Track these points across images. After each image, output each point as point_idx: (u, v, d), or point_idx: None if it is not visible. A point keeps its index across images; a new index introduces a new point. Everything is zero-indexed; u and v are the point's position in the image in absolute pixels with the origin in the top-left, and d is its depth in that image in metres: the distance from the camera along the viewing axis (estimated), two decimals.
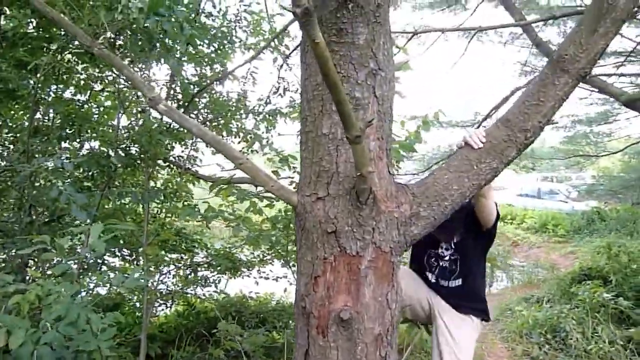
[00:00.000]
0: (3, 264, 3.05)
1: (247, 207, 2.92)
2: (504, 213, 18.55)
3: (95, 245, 1.64)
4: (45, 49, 2.93)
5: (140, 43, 3.03)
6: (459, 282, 2.67)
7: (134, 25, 2.72)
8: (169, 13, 2.56)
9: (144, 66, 3.60)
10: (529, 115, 1.93)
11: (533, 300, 7.10)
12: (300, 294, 1.99)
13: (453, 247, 2.68)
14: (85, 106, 4.36)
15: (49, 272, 3.31)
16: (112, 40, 3.10)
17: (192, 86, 3.95)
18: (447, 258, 2.70)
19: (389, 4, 2.02)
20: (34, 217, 3.00)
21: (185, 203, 4.02)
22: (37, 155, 2.97)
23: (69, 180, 3.40)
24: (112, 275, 3.27)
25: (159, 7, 2.59)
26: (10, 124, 4.25)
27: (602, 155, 14.39)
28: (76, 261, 3.37)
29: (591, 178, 21.27)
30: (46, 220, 2.96)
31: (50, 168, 2.49)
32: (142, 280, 2.84)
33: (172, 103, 4.25)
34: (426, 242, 2.55)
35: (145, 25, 2.66)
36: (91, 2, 2.93)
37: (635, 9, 1.86)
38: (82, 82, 4.24)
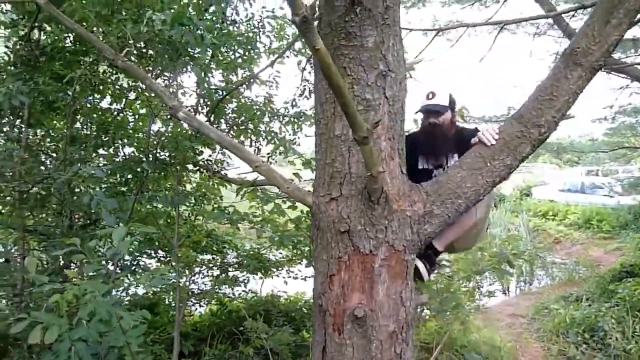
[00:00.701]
0: (46, 265, 3.25)
1: (272, 208, 3.00)
2: (546, 209, 18.01)
3: (120, 246, 1.75)
4: (80, 62, 3.10)
5: (166, 54, 3.17)
6: None
7: (159, 37, 2.85)
8: (190, 24, 2.66)
9: (172, 75, 3.74)
10: (543, 110, 1.92)
11: (572, 299, 6.88)
12: (317, 292, 2.04)
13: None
14: (121, 115, 4.58)
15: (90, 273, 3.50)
16: (141, 51, 3.24)
17: (219, 92, 4.07)
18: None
19: (398, 5, 2.05)
20: (73, 221, 3.18)
21: (215, 205, 4.15)
22: (75, 163, 3.14)
23: (104, 185, 3.59)
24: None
25: (181, 18, 2.70)
26: (52, 134, 4.51)
27: None
28: (111, 262, 3.55)
29: (638, 171, 20.30)
30: (84, 224, 3.14)
31: (84, 175, 2.64)
32: (170, 280, 2.97)
33: (201, 109, 4.40)
34: (420, 170, 2.49)
35: (170, 36, 2.77)
36: (120, 16, 3.08)
37: None
38: (117, 91, 4.45)
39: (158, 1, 3.01)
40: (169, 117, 3.73)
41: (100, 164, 4.00)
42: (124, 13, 3.09)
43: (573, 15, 6.31)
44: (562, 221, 16.92)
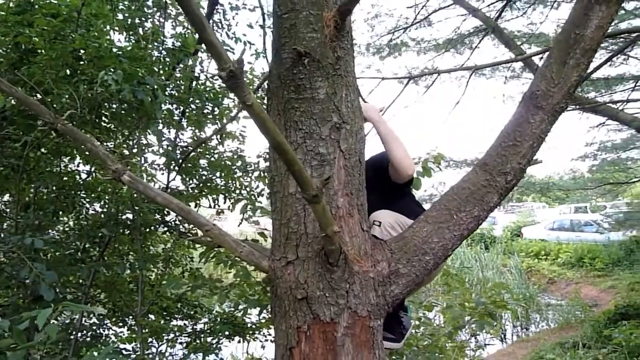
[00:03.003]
0: None
1: (237, 271, 2.82)
2: (538, 249, 17.85)
3: (48, 331, 1.56)
4: (32, 125, 2.99)
5: (127, 114, 3.07)
6: None
7: (115, 97, 2.76)
8: (141, 83, 2.58)
9: (134, 134, 3.64)
10: (507, 157, 1.81)
11: (568, 345, 6.60)
12: None
13: None
14: (91, 176, 4.42)
15: None
16: (99, 112, 3.15)
17: (187, 149, 3.97)
18: None
19: (351, 55, 1.97)
20: (25, 295, 2.96)
21: (183, 269, 3.95)
22: (27, 231, 2.96)
23: (65, 253, 3.39)
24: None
25: (134, 78, 2.62)
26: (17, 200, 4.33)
27: (633, 182, 13.87)
28: (73, 334, 3.30)
29: (626, 206, 20.36)
30: (34, 297, 2.92)
31: (25, 245, 2.45)
32: (130, 355, 2.73)
33: (172, 167, 4.27)
34: None
35: (124, 95, 2.67)
36: (78, 76, 2.99)
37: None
38: (87, 153, 4.31)
39: (118, 62, 2.95)
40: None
41: (63, 230, 3.82)
42: (82, 75, 3.01)
43: (541, 58, 6.41)
44: (555, 260, 16.76)
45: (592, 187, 15.06)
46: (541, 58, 6.14)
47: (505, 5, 8.67)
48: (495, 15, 8.77)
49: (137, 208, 3.13)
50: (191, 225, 3.74)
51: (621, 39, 6.29)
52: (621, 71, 8.93)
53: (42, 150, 3.74)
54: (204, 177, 4.21)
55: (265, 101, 2.08)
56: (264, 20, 5.37)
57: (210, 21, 4.99)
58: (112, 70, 2.61)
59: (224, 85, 4.45)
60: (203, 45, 4.38)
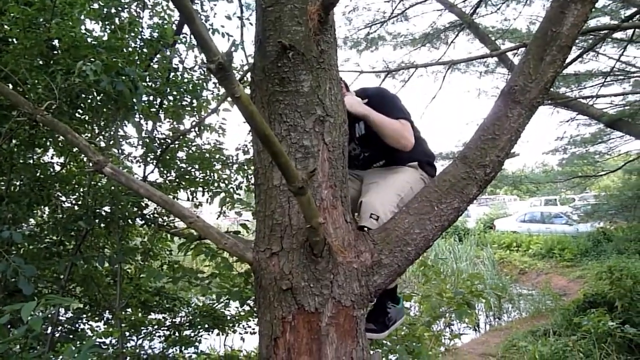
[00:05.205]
0: None
1: (219, 263, 2.82)
2: (509, 241, 18.28)
3: (33, 324, 1.54)
4: (6, 116, 2.91)
5: (104, 105, 3.02)
6: (382, 162, 2.43)
7: (92, 88, 2.71)
8: (120, 74, 2.54)
9: (112, 126, 3.58)
10: (486, 150, 1.86)
11: (540, 333, 6.82)
12: (262, 358, 1.86)
13: (357, 142, 2.41)
14: (65, 168, 4.32)
15: None
16: (75, 102, 3.09)
17: (165, 141, 3.93)
18: (361, 157, 2.45)
19: (335, 48, 1.99)
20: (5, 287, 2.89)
21: (162, 262, 3.91)
22: (3, 224, 2.89)
23: (40, 247, 3.32)
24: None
25: (113, 69, 2.58)
26: None
27: (600, 175, 14.28)
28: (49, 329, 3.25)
29: (594, 198, 21.00)
30: (11, 291, 2.86)
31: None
32: (107, 349, 2.71)
33: (149, 159, 4.21)
34: None
35: (103, 87, 2.63)
36: (53, 66, 2.93)
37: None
38: (60, 144, 4.21)
39: (94, 52, 2.89)
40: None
41: (37, 223, 3.74)
42: (57, 65, 2.94)
43: (516, 54, 6.56)
44: (526, 252, 17.21)
45: (561, 180, 15.44)
46: (515, 54, 6.28)
47: (480, 1, 8.81)
48: (470, 11, 8.90)
49: (115, 201, 3.08)
50: (170, 218, 3.71)
51: (591, 36, 6.47)
52: (590, 67, 9.17)
53: (14, 141, 3.65)
54: (182, 170, 4.17)
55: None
56: (241, 11, 5.33)
57: None
58: (90, 60, 2.56)
59: (202, 77, 4.43)
60: (181, 37, 4.34)
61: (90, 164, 1.91)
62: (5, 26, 3.12)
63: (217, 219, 4.40)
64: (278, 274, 1.78)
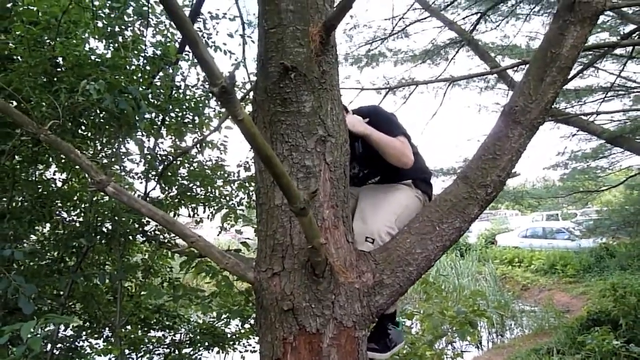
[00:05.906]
0: None
1: (219, 282, 2.80)
2: (511, 256, 18.17)
3: (32, 343, 1.53)
4: (9, 134, 2.93)
5: (107, 123, 3.04)
6: (377, 179, 2.46)
7: (96, 106, 2.73)
8: (123, 92, 2.56)
9: (115, 143, 3.60)
10: (487, 170, 1.87)
11: (543, 351, 6.74)
12: None
13: (357, 161, 2.38)
14: (67, 185, 4.33)
15: None
16: (79, 121, 3.11)
17: (168, 158, 3.94)
18: (360, 175, 2.44)
19: (336, 69, 2.01)
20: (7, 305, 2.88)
21: (162, 279, 3.90)
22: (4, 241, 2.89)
23: (40, 264, 3.31)
24: None
25: (116, 88, 2.60)
26: None
27: (602, 190, 14.23)
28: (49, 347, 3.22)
29: (596, 213, 20.91)
30: (9, 310, 2.84)
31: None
32: None
33: (152, 176, 4.22)
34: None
35: (107, 105, 2.65)
36: (57, 84, 2.95)
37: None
38: (63, 161, 4.23)
39: (98, 71, 2.92)
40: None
41: (38, 240, 3.73)
42: (61, 84, 2.97)
43: (516, 71, 6.60)
44: (528, 267, 17.09)
45: (563, 195, 15.39)
46: (515, 70, 6.32)
47: (480, 19, 8.88)
48: (470, 27, 8.98)
49: (117, 218, 3.08)
50: (171, 235, 3.71)
51: (590, 53, 6.51)
52: (590, 83, 9.21)
53: (17, 157, 3.67)
54: (183, 186, 4.18)
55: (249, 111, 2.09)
56: (243, 29, 5.39)
57: None
58: (94, 79, 2.59)
59: (204, 94, 4.46)
60: (184, 54, 4.37)
61: (93, 183, 1.91)
62: (11, 44, 3.16)
63: (218, 235, 4.40)
64: (279, 294, 1.77)
